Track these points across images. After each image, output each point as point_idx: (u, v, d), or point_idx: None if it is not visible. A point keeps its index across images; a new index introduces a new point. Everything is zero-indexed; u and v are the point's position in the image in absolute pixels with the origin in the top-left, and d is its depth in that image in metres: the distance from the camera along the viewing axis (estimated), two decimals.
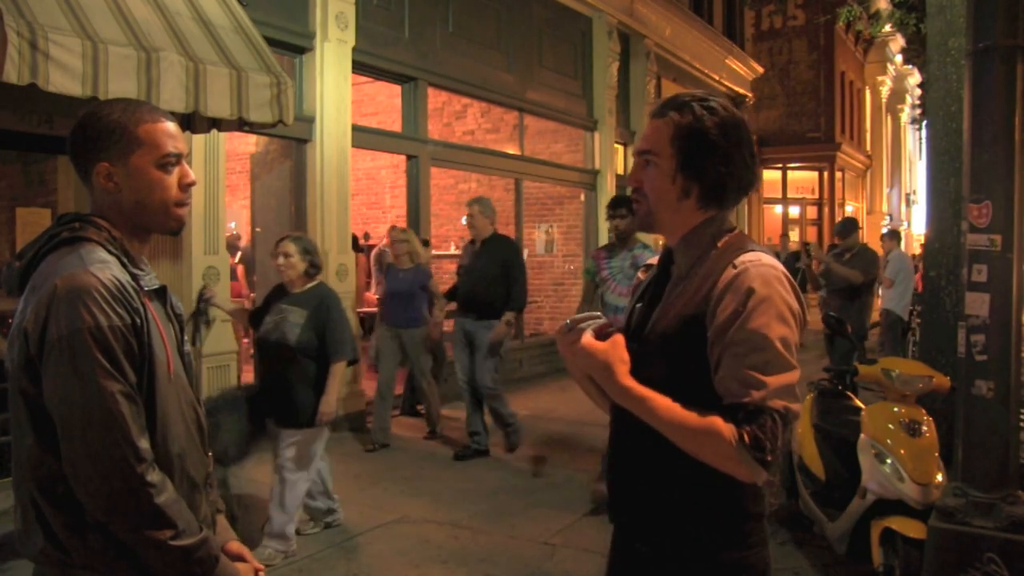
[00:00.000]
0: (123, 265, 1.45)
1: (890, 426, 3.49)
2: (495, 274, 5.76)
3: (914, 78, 25.50)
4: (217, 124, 4.55)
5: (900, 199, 29.98)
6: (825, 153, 21.27)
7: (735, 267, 1.44)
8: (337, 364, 3.98)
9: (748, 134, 1.54)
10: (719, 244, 1.52)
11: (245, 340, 7.04)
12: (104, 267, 1.40)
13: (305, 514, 4.27)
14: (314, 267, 4.09)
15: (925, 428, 3.47)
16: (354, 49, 6.78)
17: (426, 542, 4.26)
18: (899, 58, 24.87)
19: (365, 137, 7.26)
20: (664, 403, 1.41)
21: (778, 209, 21.68)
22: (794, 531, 4.25)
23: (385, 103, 9.53)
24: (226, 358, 5.71)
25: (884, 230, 15.79)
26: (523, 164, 9.72)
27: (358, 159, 9.08)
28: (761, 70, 17.77)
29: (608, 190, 10.38)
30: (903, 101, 29.35)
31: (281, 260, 4.04)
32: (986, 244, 2.84)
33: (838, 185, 22.08)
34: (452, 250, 10.40)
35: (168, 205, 1.52)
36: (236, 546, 1.65)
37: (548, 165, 10.15)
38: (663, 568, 1.54)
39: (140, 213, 1.50)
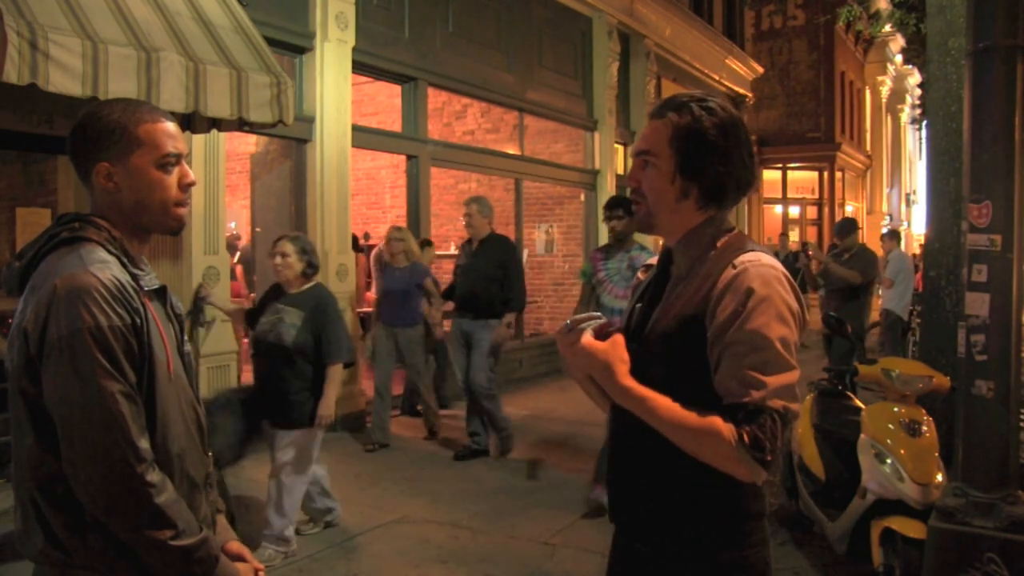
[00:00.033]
0: (123, 265, 1.45)
1: (890, 426, 3.49)
2: (493, 274, 5.75)
3: (914, 78, 25.50)
4: (217, 124, 4.55)
5: (900, 199, 29.99)
6: (825, 153, 21.28)
7: (735, 267, 1.44)
8: (334, 366, 3.96)
9: (746, 134, 1.54)
10: (718, 244, 1.52)
11: (245, 340, 7.04)
12: (104, 267, 1.40)
13: (304, 514, 4.27)
14: (311, 267, 4.06)
15: (925, 428, 3.47)
16: (354, 49, 6.78)
17: (426, 542, 4.26)
18: (899, 58, 24.88)
19: (365, 137, 7.26)
20: (664, 403, 1.41)
21: (778, 209, 21.69)
22: (794, 531, 4.25)
23: (385, 103, 9.53)
24: (226, 358, 5.71)
25: (884, 230, 15.80)
26: (523, 164, 9.72)
27: (358, 159, 9.08)
28: (761, 70, 17.77)
29: (608, 190, 10.38)
30: (903, 101, 29.36)
31: (278, 260, 4.01)
32: (986, 244, 2.84)
33: (838, 185, 22.09)
34: (452, 250, 10.40)
35: (168, 205, 1.52)
36: (236, 546, 1.65)
37: (548, 165, 10.15)
38: (663, 568, 1.54)
39: (140, 213, 1.50)
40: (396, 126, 8.02)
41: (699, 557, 1.50)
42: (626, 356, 1.46)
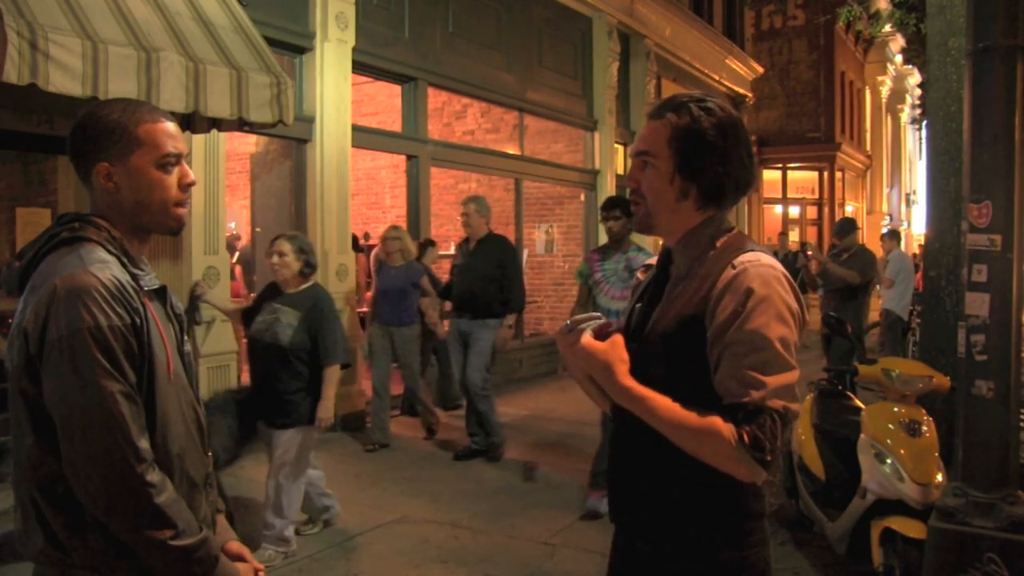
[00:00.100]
0: (123, 265, 1.45)
1: (890, 426, 3.49)
2: (491, 274, 5.73)
3: (914, 78, 25.51)
4: (217, 124, 4.55)
5: (900, 199, 30.00)
6: (825, 153, 21.29)
7: (734, 267, 1.44)
8: (331, 368, 3.92)
9: (745, 134, 1.54)
10: (718, 244, 1.52)
11: (244, 340, 7.03)
12: (104, 267, 1.40)
13: (303, 514, 4.27)
14: (309, 267, 4.02)
15: (925, 428, 3.47)
16: (354, 49, 6.78)
17: (426, 542, 4.26)
18: (899, 58, 24.89)
19: (365, 137, 7.26)
20: (664, 403, 1.41)
21: (778, 209, 21.70)
22: (794, 531, 4.25)
23: (385, 103, 9.53)
24: (226, 358, 5.71)
25: (884, 230, 15.79)
26: (523, 164, 9.72)
27: (358, 159, 9.08)
28: (761, 70, 17.77)
29: (608, 190, 10.38)
30: (903, 101, 29.37)
31: (275, 259, 3.97)
32: (986, 244, 2.84)
33: (838, 185, 22.10)
34: (452, 250, 10.40)
35: (168, 205, 1.52)
36: (236, 546, 1.65)
37: (548, 165, 10.15)
38: (663, 567, 1.54)
39: (140, 213, 1.50)
40: (396, 126, 8.02)
41: (699, 557, 1.50)
42: (626, 356, 1.46)
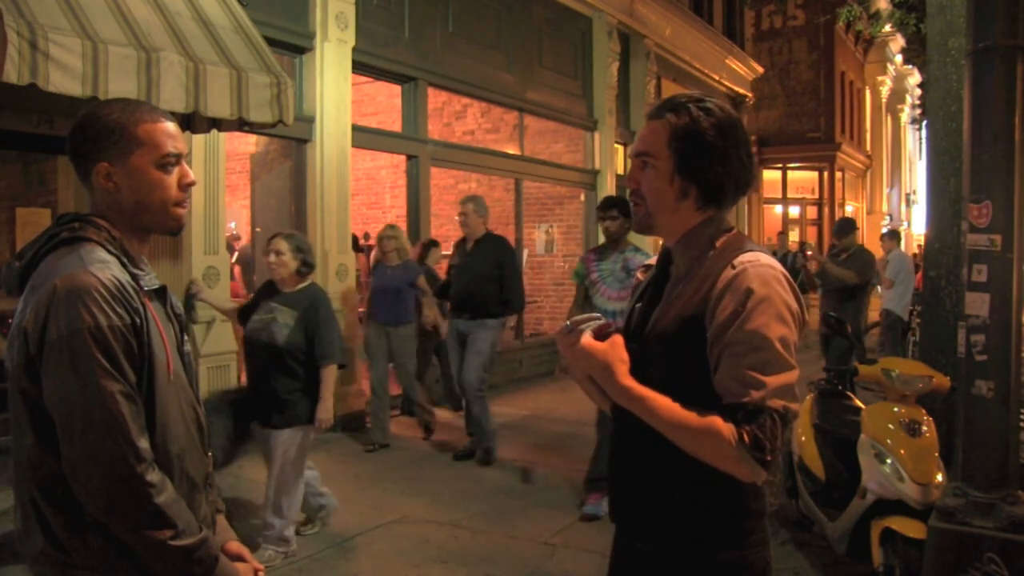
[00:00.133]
0: (123, 265, 1.45)
1: (890, 426, 3.49)
2: (489, 274, 5.70)
3: (914, 78, 25.51)
4: (217, 124, 4.55)
5: (900, 199, 30.00)
6: (825, 153, 21.29)
7: (734, 267, 1.44)
8: (328, 368, 3.90)
9: (745, 134, 1.54)
10: (717, 244, 1.52)
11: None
12: (104, 267, 1.40)
13: (301, 514, 4.26)
14: (306, 266, 3.99)
15: (925, 428, 3.47)
16: (354, 49, 6.78)
17: (426, 542, 4.26)
18: (899, 58, 24.89)
19: (365, 137, 7.26)
20: (664, 403, 1.41)
21: (778, 209, 21.69)
22: (794, 531, 4.25)
23: (385, 103, 9.53)
24: (226, 358, 5.71)
25: (884, 230, 15.79)
26: (523, 164, 9.72)
27: (358, 159, 9.08)
28: (761, 70, 17.77)
29: (608, 190, 10.38)
30: (903, 101, 29.36)
31: (272, 258, 3.95)
32: (986, 244, 2.84)
33: (838, 185, 22.10)
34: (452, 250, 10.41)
35: (168, 205, 1.52)
36: (236, 546, 1.65)
37: (548, 165, 10.15)
38: (664, 568, 1.54)
39: (140, 213, 1.50)
40: (396, 126, 8.02)
41: (699, 557, 1.50)
42: (626, 356, 1.47)
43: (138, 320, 1.41)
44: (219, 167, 5.70)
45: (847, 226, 7.24)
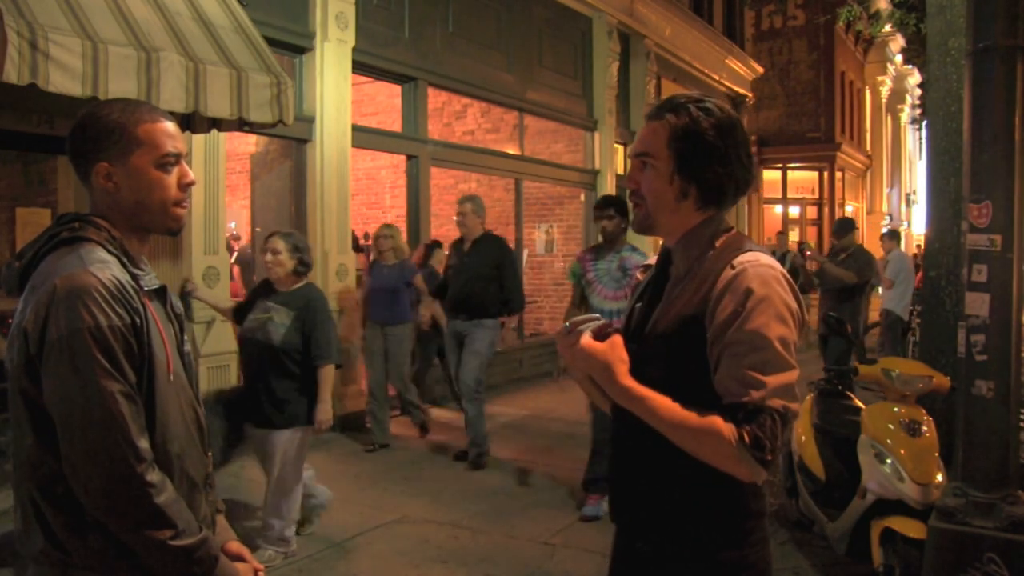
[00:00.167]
0: (123, 265, 1.45)
1: (890, 426, 3.49)
2: (487, 274, 5.66)
3: (914, 78, 25.51)
4: (217, 124, 4.55)
5: (900, 199, 30.00)
6: (825, 153, 21.29)
7: (733, 267, 1.45)
8: (325, 368, 3.87)
9: (744, 134, 1.54)
10: (717, 244, 1.52)
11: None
12: (104, 267, 1.40)
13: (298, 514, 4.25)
14: (303, 265, 3.97)
15: (925, 428, 3.47)
16: (354, 49, 6.78)
17: (426, 542, 4.26)
18: (899, 58, 24.89)
19: (365, 137, 7.26)
20: (664, 403, 1.41)
21: (778, 209, 21.70)
22: (794, 531, 4.25)
23: (385, 103, 9.53)
24: (226, 358, 5.71)
25: (884, 230, 15.79)
26: (523, 164, 9.72)
27: (358, 159, 9.08)
28: (761, 70, 17.77)
29: (608, 190, 10.38)
30: (903, 101, 29.37)
31: (269, 257, 3.93)
32: (986, 244, 2.84)
33: (838, 185, 22.11)
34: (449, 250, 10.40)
35: (167, 205, 1.52)
36: (236, 546, 1.65)
37: (548, 165, 10.15)
38: (664, 567, 1.54)
39: (139, 213, 1.50)
40: (396, 126, 8.02)
41: (700, 556, 1.50)
42: (625, 356, 1.46)
43: (138, 320, 1.41)
44: (219, 167, 5.70)
45: (846, 226, 7.24)
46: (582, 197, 10.63)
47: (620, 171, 10.97)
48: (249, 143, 7.97)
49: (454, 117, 10.63)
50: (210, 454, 1.62)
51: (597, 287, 4.70)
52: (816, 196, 21.95)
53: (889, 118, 29.28)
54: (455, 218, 5.90)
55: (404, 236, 7.75)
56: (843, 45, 22.25)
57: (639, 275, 1.78)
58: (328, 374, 3.90)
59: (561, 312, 10.46)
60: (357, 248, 8.07)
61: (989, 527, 2.75)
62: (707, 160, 1.49)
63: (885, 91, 27.72)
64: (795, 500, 4.31)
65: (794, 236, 19.22)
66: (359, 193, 10.51)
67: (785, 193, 21.79)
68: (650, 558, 1.56)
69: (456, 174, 10.28)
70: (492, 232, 6.12)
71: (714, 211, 1.54)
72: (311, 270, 4.11)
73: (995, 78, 2.83)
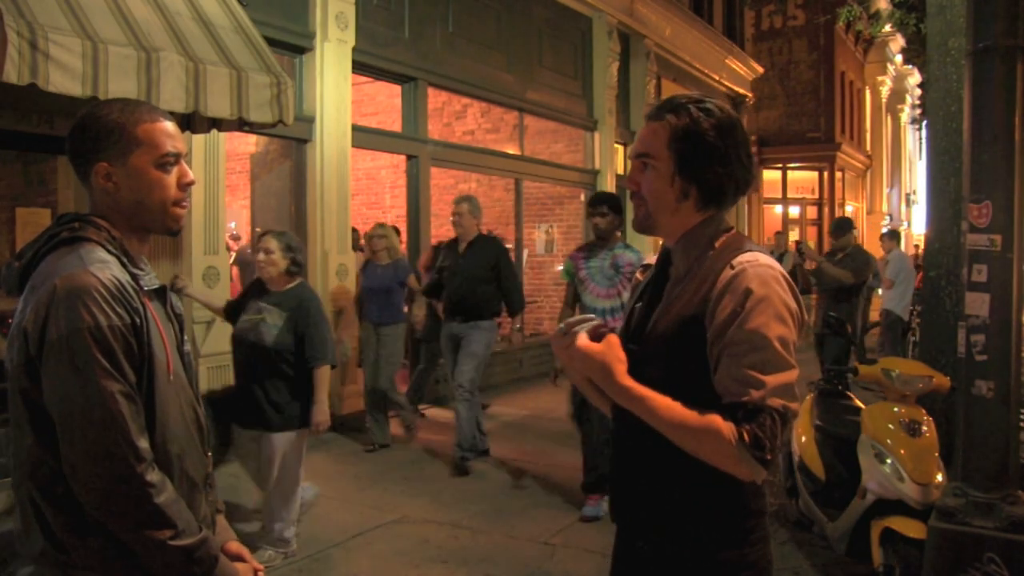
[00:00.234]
0: (123, 265, 1.45)
1: (890, 426, 3.49)
2: (484, 276, 5.62)
3: (914, 78, 25.50)
4: (217, 124, 4.55)
5: (900, 199, 29.98)
6: (825, 153, 21.28)
7: (733, 268, 1.45)
8: (320, 369, 3.83)
9: (744, 135, 1.54)
10: (716, 244, 1.52)
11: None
12: (104, 267, 1.40)
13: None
14: (296, 265, 3.93)
15: (925, 428, 3.47)
16: (354, 49, 6.78)
17: (426, 542, 4.26)
18: (899, 58, 24.88)
19: (365, 137, 7.26)
20: (664, 402, 1.41)
21: (778, 209, 21.68)
22: (794, 531, 4.25)
23: (385, 103, 9.53)
24: (226, 358, 5.67)
25: (884, 230, 15.80)
26: (523, 164, 9.72)
27: (358, 159, 9.08)
28: (761, 70, 17.77)
29: (608, 190, 10.38)
30: (903, 101, 29.35)
31: (262, 256, 3.89)
32: (986, 244, 2.84)
33: (838, 185, 22.09)
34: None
35: (167, 205, 1.52)
36: (235, 546, 1.65)
37: (548, 165, 10.15)
38: (665, 567, 1.54)
39: (139, 213, 1.50)
40: (396, 126, 8.02)
41: (700, 556, 1.50)
42: (623, 356, 1.46)
43: (138, 320, 1.41)
44: (219, 167, 5.69)
45: (844, 226, 7.23)
46: (582, 197, 10.62)
47: (620, 171, 10.97)
48: (249, 143, 7.97)
49: (454, 117, 10.63)
50: (210, 454, 1.62)
51: (590, 285, 4.68)
52: (816, 196, 21.93)
53: (889, 118, 29.27)
54: (451, 218, 5.85)
55: (404, 236, 7.77)
56: (843, 45, 22.24)
57: (639, 275, 1.78)
58: (324, 375, 3.86)
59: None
60: (357, 248, 8.07)
61: (989, 527, 2.75)
62: (707, 160, 1.50)
63: (885, 91, 27.71)
64: (795, 500, 4.31)
65: (794, 236, 19.22)
66: (359, 193, 10.51)
67: (785, 193, 21.77)
68: (650, 558, 1.56)
69: (456, 174, 10.28)
70: (488, 233, 6.11)
71: (714, 211, 1.54)
72: (303, 269, 4.06)
73: (995, 78, 2.83)
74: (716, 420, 1.37)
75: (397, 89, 7.96)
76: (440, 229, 10.09)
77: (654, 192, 1.54)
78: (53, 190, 5.63)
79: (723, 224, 1.56)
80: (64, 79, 3.33)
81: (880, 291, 9.45)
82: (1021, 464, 2.98)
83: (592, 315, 1.59)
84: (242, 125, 4.41)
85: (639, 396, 1.43)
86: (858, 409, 4.10)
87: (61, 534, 1.37)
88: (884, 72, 26.70)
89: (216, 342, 5.59)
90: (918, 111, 22.54)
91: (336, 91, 6.62)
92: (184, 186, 1.54)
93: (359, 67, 6.98)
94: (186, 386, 1.54)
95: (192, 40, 4.02)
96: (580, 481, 4.74)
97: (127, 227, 1.50)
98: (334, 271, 6.61)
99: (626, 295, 4.42)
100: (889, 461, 3.35)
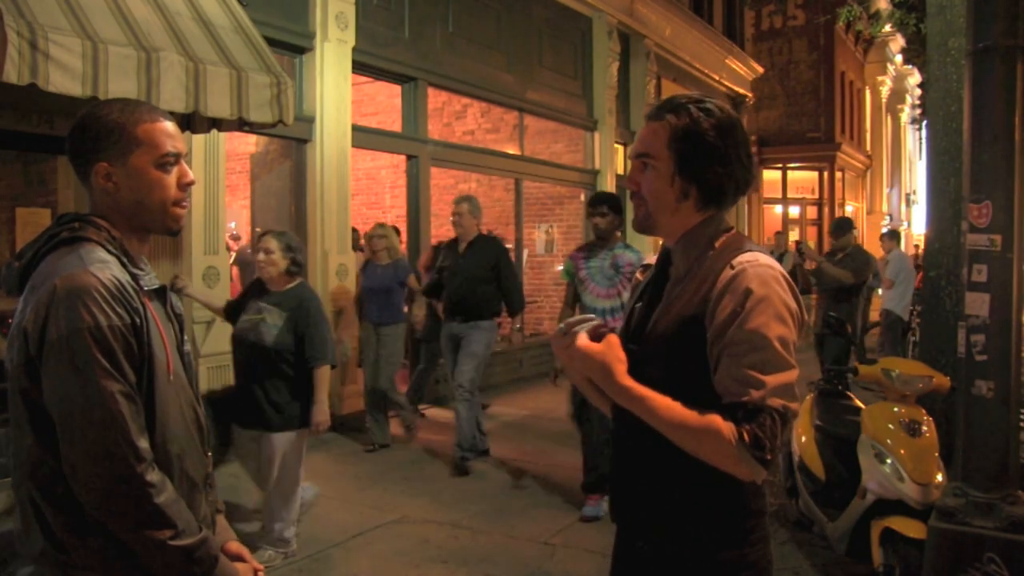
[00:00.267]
0: (123, 265, 1.45)
1: (890, 426, 3.49)
2: (484, 276, 5.61)
3: (914, 78, 25.50)
4: (217, 124, 4.55)
5: (900, 199, 29.98)
6: (825, 153, 21.28)
7: (733, 268, 1.45)
8: (320, 369, 3.83)
9: (744, 135, 1.54)
10: (716, 244, 1.52)
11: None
12: (104, 267, 1.40)
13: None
14: (296, 265, 3.93)
15: (925, 428, 3.47)
16: (354, 49, 6.79)
17: (426, 542, 4.26)
18: (899, 58, 24.88)
19: (365, 137, 7.26)
20: (664, 402, 1.41)
21: (778, 209, 21.68)
22: (794, 531, 4.25)
23: (385, 103, 9.53)
24: (226, 358, 5.67)
25: (884, 230, 15.80)
26: (523, 164, 9.72)
27: (358, 159, 9.08)
28: (761, 70, 17.77)
29: (608, 190, 10.38)
30: (903, 101, 29.35)
31: (261, 256, 3.89)
32: (986, 244, 2.84)
33: (838, 185, 22.09)
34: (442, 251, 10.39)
35: (167, 205, 1.52)
36: (235, 546, 1.65)
37: (548, 165, 10.16)
38: (665, 567, 1.54)
39: (139, 213, 1.50)
40: (396, 126, 8.02)
41: (700, 556, 1.50)
42: (623, 356, 1.46)
43: (138, 320, 1.41)
44: (219, 167, 5.69)
45: (844, 226, 7.23)
46: (582, 197, 10.61)
47: (620, 171, 10.97)
48: (249, 143, 7.97)
49: (454, 117, 10.63)
50: (210, 454, 1.62)
51: (589, 285, 4.68)
52: (816, 196, 21.93)
53: (889, 118, 29.26)
54: (451, 218, 5.84)
55: (404, 236, 7.77)
56: (843, 45, 22.24)
57: (639, 275, 1.78)
58: (324, 375, 3.86)
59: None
60: (357, 247, 8.07)
61: (989, 527, 2.74)
62: (707, 161, 1.50)
63: (885, 91, 27.71)
64: (795, 500, 4.31)
65: (794, 236, 19.21)
66: (359, 193, 10.51)
67: (785, 193, 21.77)
68: (650, 558, 1.56)
69: (456, 174, 10.28)
70: (488, 233, 6.11)
71: (714, 211, 1.54)
72: (303, 269, 4.06)
73: (995, 78, 2.83)
74: (716, 420, 1.37)
75: (397, 89, 7.96)
76: (440, 229, 10.08)
77: (654, 192, 1.54)
78: (53, 190, 5.63)
79: (723, 224, 1.56)
80: (64, 79, 3.33)
81: (880, 291, 9.45)
82: (1021, 464, 2.98)
83: (592, 315, 1.59)
84: (242, 125, 4.41)
85: (639, 396, 1.43)
86: (858, 409, 4.10)
87: (61, 534, 1.37)
88: (884, 72, 26.70)
89: (216, 342, 5.59)
90: (918, 111, 22.54)
91: (336, 91, 6.62)
92: (184, 186, 1.54)
93: (359, 67, 6.98)
94: (186, 386, 1.54)
95: (192, 40, 4.02)
96: (580, 481, 4.74)
97: (127, 227, 1.50)
98: (334, 271, 6.61)
99: (626, 295, 4.42)
100: (889, 461, 3.35)
